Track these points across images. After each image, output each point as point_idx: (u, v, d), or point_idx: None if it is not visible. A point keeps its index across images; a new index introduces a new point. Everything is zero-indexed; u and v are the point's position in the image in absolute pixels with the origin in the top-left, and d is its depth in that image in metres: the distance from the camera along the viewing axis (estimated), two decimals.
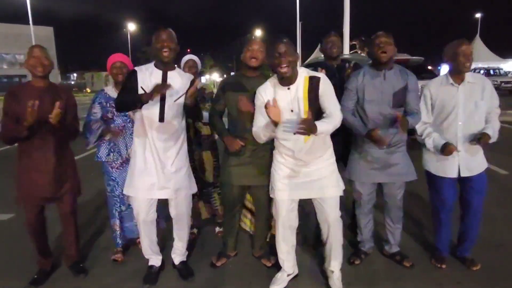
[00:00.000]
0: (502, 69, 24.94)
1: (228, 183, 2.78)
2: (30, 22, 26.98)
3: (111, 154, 3.00)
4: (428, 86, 2.72)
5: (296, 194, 2.49)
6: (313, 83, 2.32)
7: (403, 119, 2.44)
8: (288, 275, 2.71)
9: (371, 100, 2.61)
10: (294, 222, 2.61)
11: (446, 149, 2.57)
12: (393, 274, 2.79)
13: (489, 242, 2.89)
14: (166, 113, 2.50)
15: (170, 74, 2.54)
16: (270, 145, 2.61)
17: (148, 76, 2.50)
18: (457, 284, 2.64)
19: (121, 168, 3.03)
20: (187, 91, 2.48)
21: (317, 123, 2.18)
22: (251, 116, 2.53)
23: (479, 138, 2.49)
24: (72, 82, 50.48)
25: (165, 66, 2.54)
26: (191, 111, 2.62)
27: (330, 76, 2.56)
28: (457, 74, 2.60)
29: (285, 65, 2.22)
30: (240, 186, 2.79)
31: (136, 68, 2.56)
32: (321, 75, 2.38)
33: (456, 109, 2.59)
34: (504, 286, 2.61)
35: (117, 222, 3.13)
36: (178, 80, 2.54)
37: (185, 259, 2.91)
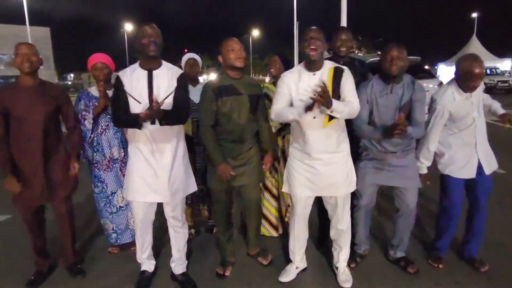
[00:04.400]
0: (498, 68, 25.00)
1: (217, 187, 2.74)
2: (27, 22, 26.83)
3: (95, 154, 2.99)
4: (444, 105, 2.59)
5: (313, 191, 2.55)
6: (338, 73, 2.41)
7: (404, 122, 2.37)
8: (297, 267, 2.78)
9: (378, 113, 2.59)
10: (306, 218, 2.69)
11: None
12: (391, 273, 2.80)
13: (488, 242, 2.89)
14: None
15: (155, 73, 2.39)
16: (252, 149, 2.74)
17: (133, 79, 2.37)
18: (455, 284, 2.64)
19: (108, 169, 3.03)
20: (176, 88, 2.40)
21: (334, 101, 2.22)
22: (245, 120, 2.63)
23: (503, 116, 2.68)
24: (69, 83, 50.20)
25: (150, 64, 2.39)
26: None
27: None
28: (466, 88, 2.58)
29: (313, 47, 2.31)
30: (229, 188, 2.77)
31: (119, 73, 2.41)
32: (345, 67, 2.46)
33: (472, 114, 2.61)
34: (503, 285, 2.61)
35: (108, 221, 3.13)
36: (165, 77, 2.39)
37: (185, 270, 2.80)
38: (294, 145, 2.58)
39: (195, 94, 3.22)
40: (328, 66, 2.44)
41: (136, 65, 2.44)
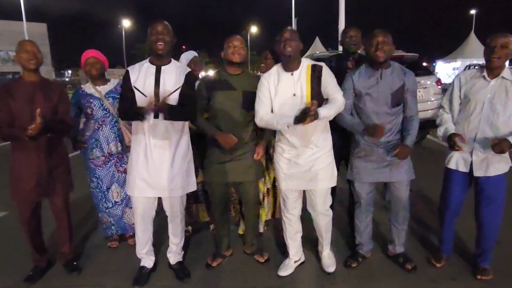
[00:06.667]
0: None
1: (213, 181, 2.77)
2: (23, 18, 26.68)
3: (93, 150, 3.02)
4: (459, 75, 2.62)
5: (293, 184, 2.59)
6: (316, 70, 2.44)
7: (402, 148, 2.49)
8: (295, 261, 2.81)
9: (369, 100, 2.57)
10: (299, 210, 2.74)
11: (451, 141, 2.47)
12: (387, 270, 2.81)
13: None
14: None
15: (164, 68, 2.47)
16: (249, 144, 2.71)
17: (141, 73, 2.46)
18: (451, 281, 2.65)
19: (104, 165, 3.06)
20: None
21: (319, 109, 2.25)
22: (238, 115, 2.61)
23: (494, 145, 2.30)
24: (67, 79, 49.99)
25: (159, 60, 2.48)
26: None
27: (343, 70, 2.83)
28: (489, 68, 2.45)
29: (288, 47, 2.36)
30: (225, 183, 2.78)
31: (128, 68, 2.54)
32: (323, 64, 2.50)
33: (481, 104, 2.44)
34: (500, 283, 2.62)
35: (105, 215, 3.18)
36: (173, 74, 2.48)
37: (181, 259, 2.89)
38: (279, 139, 2.62)
39: None
40: (305, 64, 2.48)
41: (147, 60, 2.54)
